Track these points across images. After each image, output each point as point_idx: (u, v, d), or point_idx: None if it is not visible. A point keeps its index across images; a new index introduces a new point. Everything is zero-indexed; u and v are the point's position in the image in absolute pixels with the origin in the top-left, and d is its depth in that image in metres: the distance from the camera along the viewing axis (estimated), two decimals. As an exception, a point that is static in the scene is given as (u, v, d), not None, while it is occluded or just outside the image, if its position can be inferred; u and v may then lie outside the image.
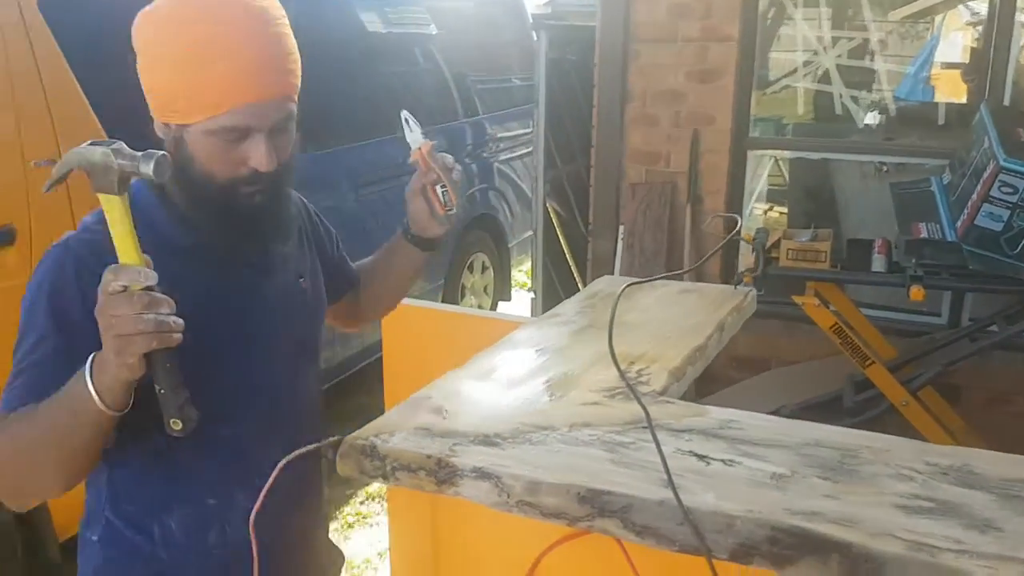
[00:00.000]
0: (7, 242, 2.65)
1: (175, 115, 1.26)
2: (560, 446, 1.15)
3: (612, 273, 4.44)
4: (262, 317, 1.41)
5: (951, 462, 1.08)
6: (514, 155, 5.84)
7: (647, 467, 1.08)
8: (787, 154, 4.42)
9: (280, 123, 1.28)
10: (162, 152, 1.15)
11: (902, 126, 4.83)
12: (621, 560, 1.08)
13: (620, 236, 4.40)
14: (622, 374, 1.15)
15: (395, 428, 1.20)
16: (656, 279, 1.87)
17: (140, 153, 1.13)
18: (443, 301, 5.02)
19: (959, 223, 3.38)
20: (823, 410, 3.82)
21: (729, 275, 4.41)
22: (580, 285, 4.66)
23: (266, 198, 1.31)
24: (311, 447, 1.20)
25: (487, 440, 1.16)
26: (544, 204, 4.41)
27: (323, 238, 1.72)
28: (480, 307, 5.48)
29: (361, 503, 3.61)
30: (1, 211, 2.66)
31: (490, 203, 5.49)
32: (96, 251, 1.24)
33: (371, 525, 3.45)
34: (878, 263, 3.81)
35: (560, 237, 4.60)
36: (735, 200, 4.38)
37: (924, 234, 3.65)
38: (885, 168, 4.57)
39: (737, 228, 3.34)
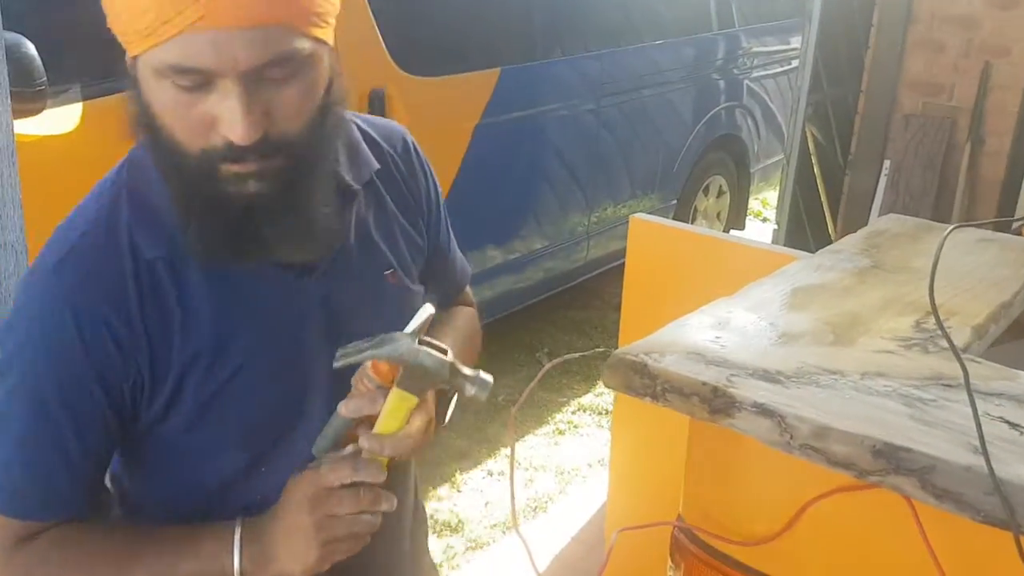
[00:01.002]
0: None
1: (120, 36, 0.87)
2: (852, 393, 1.05)
3: (869, 211, 4.12)
4: (317, 343, 1.02)
5: None
6: (768, 72, 5.49)
7: (952, 428, 0.97)
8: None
9: (271, 66, 0.85)
10: (490, 378, 1.00)
11: None
12: (902, 521, 0.98)
13: (884, 171, 4.05)
14: (940, 325, 1.02)
15: (666, 349, 1.15)
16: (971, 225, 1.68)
17: (471, 372, 1.00)
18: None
19: None
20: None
21: (1003, 226, 3.97)
22: (830, 221, 4.37)
23: (268, 186, 0.89)
24: (581, 354, 1.17)
25: (768, 375, 1.08)
26: (803, 128, 4.12)
27: (431, 203, 1.22)
28: (712, 233, 5.30)
29: (573, 412, 3.65)
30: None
31: (735, 122, 5.22)
32: (103, 267, 0.93)
33: (581, 435, 3.49)
34: None
35: (815, 166, 4.30)
36: (1022, 144, 3.90)
37: None
38: None
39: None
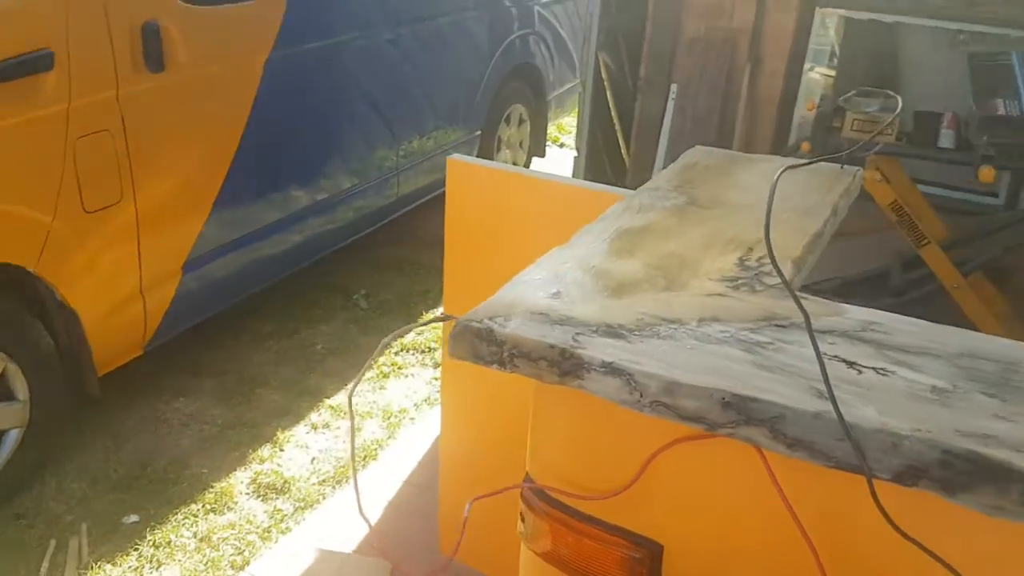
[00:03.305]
0: (46, 67, 2.50)
1: None
2: (692, 342, 1.06)
3: (659, 133, 4.26)
4: None
5: (1126, 386, 0.99)
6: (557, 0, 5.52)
7: (793, 372, 1.00)
8: (860, 15, 4.13)
9: None
10: None
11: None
12: (751, 466, 1.01)
13: (672, 95, 4.19)
14: (778, 270, 1.04)
15: (509, 311, 1.11)
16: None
17: None
18: (479, 154, 4.86)
19: (1042, 101, 3.18)
20: (870, 286, 3.75)
21: (781, 143, 4.24)
22: (623, 146, 4.49)
23: None
24: (421, 323, 1.12)
25: (611, 331, 1.07)
26: (596, 55, 4.17)
27: None
28: (515, 162, 5.32)
29: (396, 354, 3.59)
30: (39, 35, 2.49)
31: (530, 50, 5.22)
32: None
33: (406, 376, 3.45)
34: (946, 139, 3.64)
35: (607, 93, 4.38)
36: (796, 64, 4.14)
37: (1001, 111, 3.46)
38: (961, 36, 4.28)
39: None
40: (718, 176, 1.68)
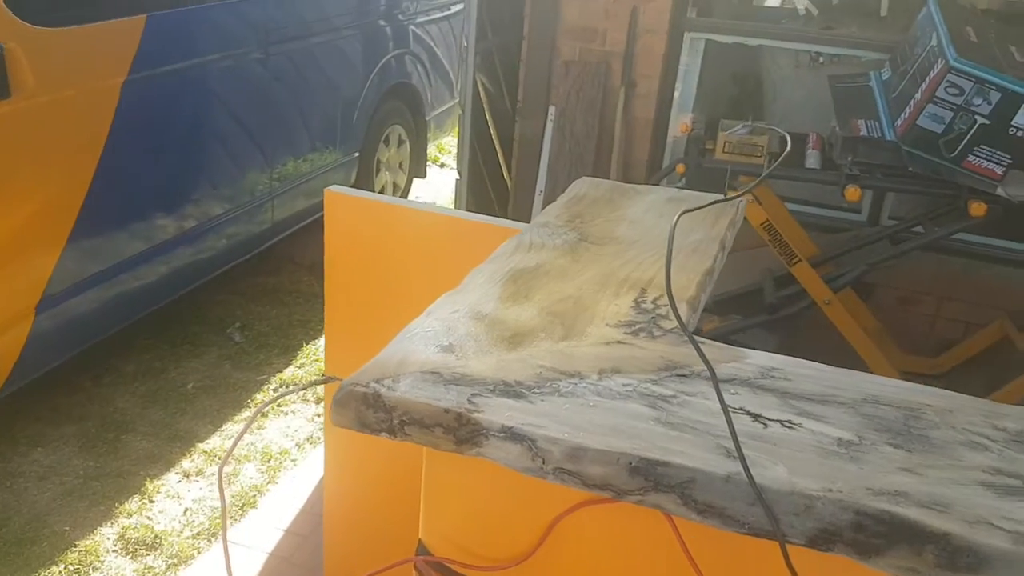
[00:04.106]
0: None
1: None
2: (595, 399, 1.00)
3: (540, 155, 4.26)
4: None
5: (1019, 427, 1.00)
6: (431, 18, 5.45)
7: (700, 430, 0.96)
8: (725, 38, 4.25)
9: None
10: None
11: (842, 15, 4.73)
12: (659, 528, 0.96)
13: (550, 117, 4.19)
14: (686, 331, 0.99)
15: (399, 370, 1.03)
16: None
17: None
18: (358, 176, 4.74)
19: (899, 122, 3.32)
20: (744, 302, 3.84)
21: (656, 164, 4.30)
22: (504, 167, 4.46)
23: None
24: (301, 387, 1.02)
25: (510, 390, 1.01)
26: (474, 77, 4.12)
27: None
28: (395, 184, 5.21)
29: (274, 390, 3.43)
30: None
31: (406, 70, 5.14)
32: None
33: (286, 413, 3.29)
34: (812, 159, 3.77)
35: (486, 114, 4.35)
36: (668, 85, 4.22)
37: (863, 131, 3.60)
38: (820, 59, 4.46)
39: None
40: (607, 209, 1.65)
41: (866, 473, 0.89)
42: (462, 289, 1.26)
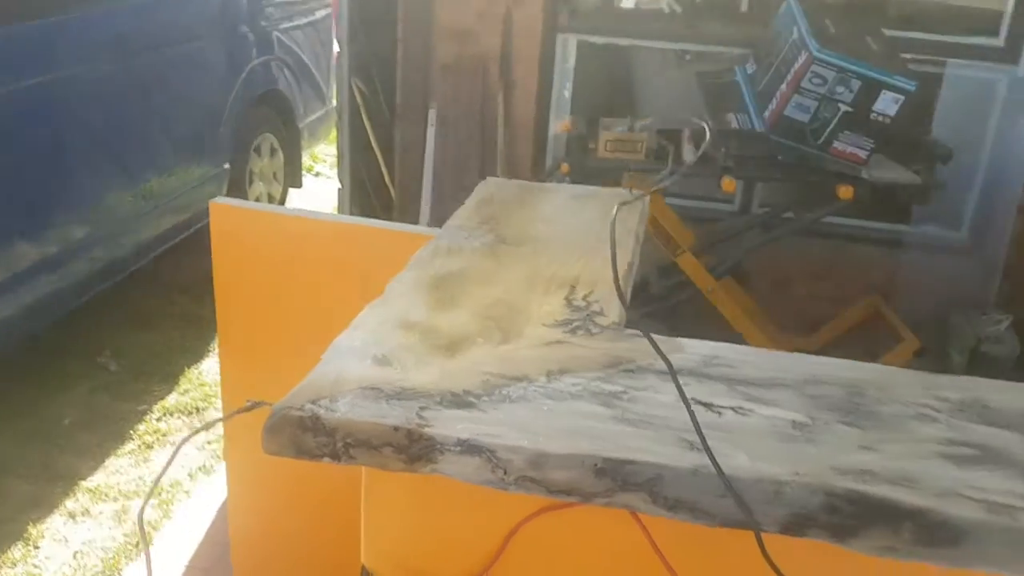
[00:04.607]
0: None
1: None
2: (548, 402, 0.97)
3: (422, 160, 4.19)
4: None
5: (960, 396, 1.02)
6: (295, 24, 5.29)
7: (657, 424, 0.94)
8: (597, 39, 4.31)
9: None
10: None
11: (704, 12, 4.88)
12: (623, 531, 0.93)
13: (431, 121, 4.14)
14: (646, 334, 0.96)
15: (335, 389, 0.96)
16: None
17: None
18: (230, 189, 4.54)
19: (767, 113, 3.45)
20: (631, 294, 3.89)
21: (540, 164, 4.32)
22: (387, 174, 4.37)
23: None
24: (220, 419, 0.94)
25: (458, 400, 0.96)
26: (349, 82, 4.02)
27: None
28: (270, 195, 5.03)
29: (158, 419, 3.23)
30: None
31: (273, 76, 4.96)
32: None
33: (173, 444, 3.10)
34: (689, 154, 3.87)
35: (364, 120, 4.25)
36: (546, 85, 4.24)
37: (735, 124, 3.71)
38: (687, 56, 4.58)
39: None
40: (518, 209, 1.62)
41: (827, 454, 0.89)
42: (386, 300, 1.20)
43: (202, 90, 4.28)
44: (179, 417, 3.25)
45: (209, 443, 3.09)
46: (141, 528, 0.99)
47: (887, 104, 3.24)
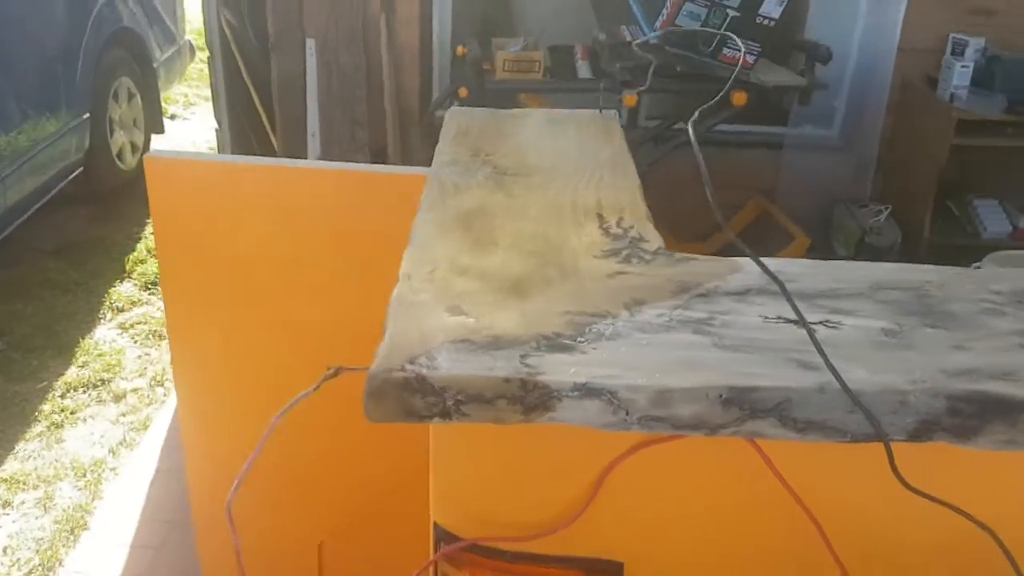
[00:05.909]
0: None
1: None
2: (641, 336, 0.93)
3: (304, 93, 3.97)
4: None
5: (1009, 287, 1.06)
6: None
7: (759, 347, 0.92)
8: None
9: None
10: None
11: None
12: (729, 461, 0.92)
13: (310, 52, 3.91)
14: (761, 264, 0.93)
15: (426, 346, 0.89)
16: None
17: None
18: (91, 139, 4.17)
19: (659, 23, 3.45)
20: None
21: (428, 91, 4.19)
22: (263, 111, 4.12)
23: None
24: (310, 390, 0.86)
25: (553, 343, 0.91)
26: (218, 13, 3.73)
27: None
28: (133, 144, 4.66)
29: (62, 396, 3.00)
30: None
31: (122, 14, 4.56)
32: None
33: (83, 420, 2.89)
34: (584, 70, 3.83)
35: (235, 54, 3.97)
36: (427, 9, 4.09)
37: (627, 37, 3.70)
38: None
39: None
40: (500, 139, 1.55)
41: (929, 358, 0.91)
42: (423, 245, 1.13)
43: (49, 36, 3.88)
44: (85, 391, 3.03)
45: (123, 416, 2.90)
46: (230, 520, 0.90)
47: (771, 7, 3.31)
